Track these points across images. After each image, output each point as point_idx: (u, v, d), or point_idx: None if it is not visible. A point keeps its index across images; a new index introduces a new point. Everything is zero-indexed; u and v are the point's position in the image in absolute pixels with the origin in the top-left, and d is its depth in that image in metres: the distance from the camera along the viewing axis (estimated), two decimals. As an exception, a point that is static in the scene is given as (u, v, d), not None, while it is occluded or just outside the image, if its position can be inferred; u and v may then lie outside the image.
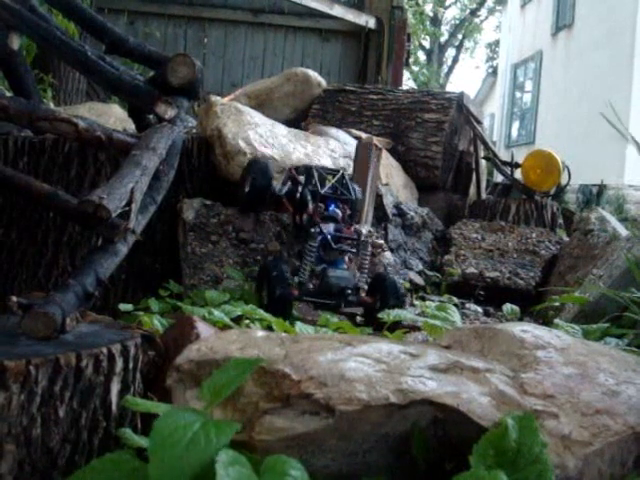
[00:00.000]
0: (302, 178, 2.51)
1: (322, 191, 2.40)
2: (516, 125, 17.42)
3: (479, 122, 4.61)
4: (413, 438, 1.11)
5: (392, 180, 3.78)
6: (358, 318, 2.34)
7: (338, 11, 6.77)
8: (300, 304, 2.34)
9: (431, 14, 25.03)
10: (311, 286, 2.26)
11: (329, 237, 2.29)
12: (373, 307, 2.27)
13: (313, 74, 4.90)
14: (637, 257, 2.37)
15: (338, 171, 2.52)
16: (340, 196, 2.45)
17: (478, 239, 3.51)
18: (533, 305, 2.76)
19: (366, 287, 2.32)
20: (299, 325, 1.91)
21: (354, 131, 3.96)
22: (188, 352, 1.30)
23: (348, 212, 2.46)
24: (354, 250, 2.34)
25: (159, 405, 1.16)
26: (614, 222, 3.41)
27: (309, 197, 2.41)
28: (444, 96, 4.50)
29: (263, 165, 2.54)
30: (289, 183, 2.57)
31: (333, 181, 2.45)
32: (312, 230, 2.29)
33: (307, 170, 2.49)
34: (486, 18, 27.19)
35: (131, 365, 1.29)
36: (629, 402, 1.21)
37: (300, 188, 2.48)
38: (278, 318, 1.93)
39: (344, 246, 2.33)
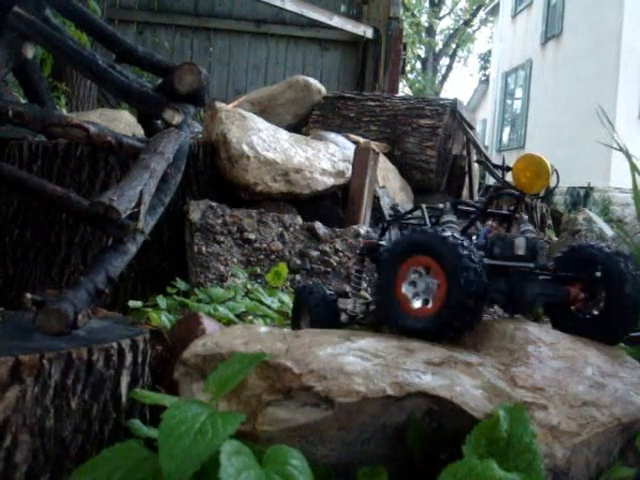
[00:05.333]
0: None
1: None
2: (507, 130, 17.41)
3: (472, 127, 4.61)
4: (409, 429, 1.11)
5: (389, 183, 3.78)
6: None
7: (337, 22, 6.76)
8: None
9: (426, 24, 25.01)
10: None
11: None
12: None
13: (313, 82, 4.90)
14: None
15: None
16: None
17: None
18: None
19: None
20: None
21: (353, 136, 3.96)
22: (194, 347, 1.30)
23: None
24: None
25: (167, 397, 1.16)
26: (600, 223, 3.40)
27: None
28: (438, 103, 4.49)
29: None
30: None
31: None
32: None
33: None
34: (478, 28, 27.18)
35: (140, 359, 1.29)
36: (615, 394, 1.21)
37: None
38: None
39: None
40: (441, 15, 26.18)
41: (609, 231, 3.31)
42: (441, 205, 1.63)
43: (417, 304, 1.38)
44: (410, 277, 1.41)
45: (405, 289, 1.40)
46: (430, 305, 1.36)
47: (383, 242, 1.75)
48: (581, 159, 10.95)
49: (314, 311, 1.76)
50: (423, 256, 1.38)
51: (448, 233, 1.37)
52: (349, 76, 7.20)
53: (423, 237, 1.40)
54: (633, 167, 2.39)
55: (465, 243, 1.34)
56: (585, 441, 1.10)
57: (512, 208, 1.68)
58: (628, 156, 2.42)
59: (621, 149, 2.49)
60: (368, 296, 1.92)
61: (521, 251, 1.48)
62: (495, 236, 1.52)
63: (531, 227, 1.62)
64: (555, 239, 3.61)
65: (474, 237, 1.56)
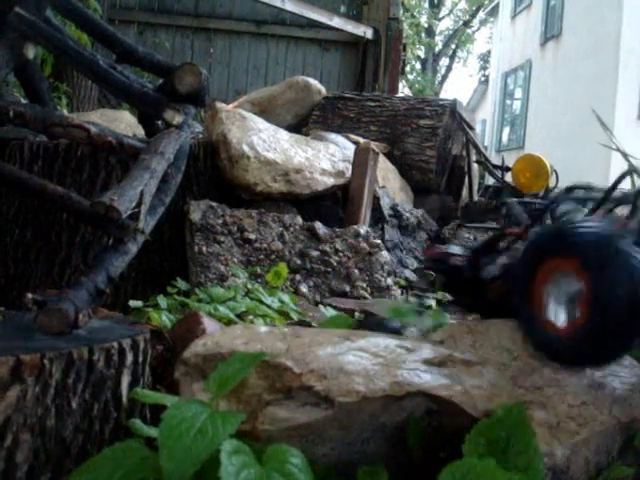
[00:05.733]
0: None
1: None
2: (506, 131, 17.41)
3: (471, 128, 4.61)
4: (409, 428, 1.11)
5: (389, 183, 3.78)
6: (357, 314, 2.33)
7: (337, 22, 6.76)
8: (301, 301, 2.34)
9: (426, 25, 25.00)
10: None
11: None
12: None
13: (313, 82, 4.90)
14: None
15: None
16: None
17: (470, 239, 3.51)
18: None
19: None
20: None
21: (352, 136, 3.96)
22: (195, 346, 1.30)
23: None
24: None
25: (167, 397, 1.16)
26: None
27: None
28: (438, 103, 4.49)
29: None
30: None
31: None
32: None
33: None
34: (478, 29, 27.17)
35: (141, 359, 1.29)
36: (614, 394, 1.21)
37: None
38: None
39: None
40: (441, 16, 26.18)
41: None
42: (554, 193, 1.34)
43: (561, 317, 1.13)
44: (556, 288, 1.14)
45: (548, 302, 1.15)
46: (568, 322, 1.10)
47: (456, 249, 1.48)
48: (580, 159, 10.95)
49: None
50: (568, 258, 1.10)
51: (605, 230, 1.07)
52: (349, 76, 7.20)
53: (566, 232, 1.12)
54: (631, 167, 2.38)
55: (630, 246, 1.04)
56: (584, 440, 1.10)
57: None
58: (625, 156, 2.42)
59: (618, 149, 2.49)
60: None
61: None
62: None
63: None
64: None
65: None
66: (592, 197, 1.36)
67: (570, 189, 1.35)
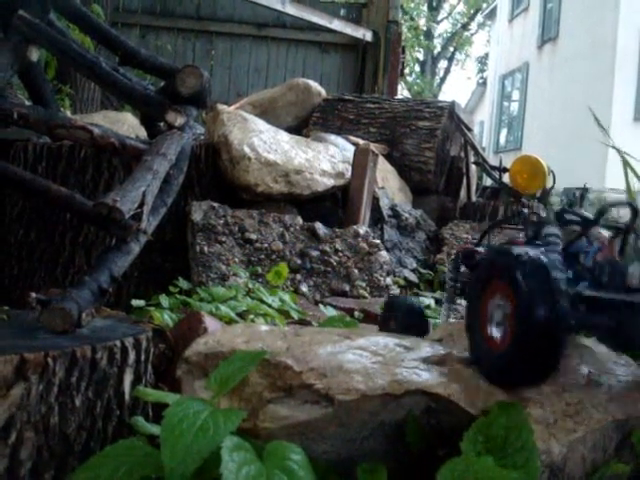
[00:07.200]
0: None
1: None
2: (504, 132, 17.41)
3: (469, 129, 4.61)
4: (407, 426, 1.11)
5: (388, 184, 3.78)
6: (356, 313, 2.34)
7: (337, 25, 6.75)
8: (301, 300, 2.34)
9: (425, 28, 25.00)
10: None
11: None
12: None
13: (314, 84, 4.89)
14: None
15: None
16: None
17: (468, 239, 3.51)
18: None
19: None
20: None
21: (352, 138, 3.95)
22: (196, 345, 1.30)
23: None
24: None
25: (169, 395, 1.16)
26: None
27: None
28: (437, 105, 4.49)
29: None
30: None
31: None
32: None
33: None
34: (476, 32, 27.16)
35: (143, 357, 1.29)
36: (610, 392, 1.21)
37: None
38: None
39: None
40: (439, 19, 26.17)
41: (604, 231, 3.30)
42: (543, 214, 1.39)
43: (496, 335, 1.17)
44: (495, 307, 1.19)
45: (488, 321, 1.19)
46: (500, 340, 1.14)
47: (481, 249, 1.55)
48: (577, 160, 10.94)
49: (401, 321, 1.65)
50: (501, 282, 1.16)
51: (529, 251, 1.12)
52: (349, 79, 7.19)
53: (501, 258, 1.18)
54: (626, 164, 2.39)
55: (548, 264, 1.09)
56: (581, 438, 1.10)
57: (628, 220, 1.27)
58: (620, 153, 2.42)
59: (613, 146, 2.49)
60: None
61: (636, 281, 1.15)
62: (604, 260, 1.23)
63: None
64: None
65: (582, 256, 1.27)
66: (579, 220, 1.39)
67: (560, 213, 1.38)
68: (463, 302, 1.64)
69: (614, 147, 2.47)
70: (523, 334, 1.08)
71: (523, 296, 1.07)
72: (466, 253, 1.56)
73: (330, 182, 3.00)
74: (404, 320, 1.67)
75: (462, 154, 4.62)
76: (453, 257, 1.63)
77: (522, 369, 1.12)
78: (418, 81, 25.16)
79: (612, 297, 1.16)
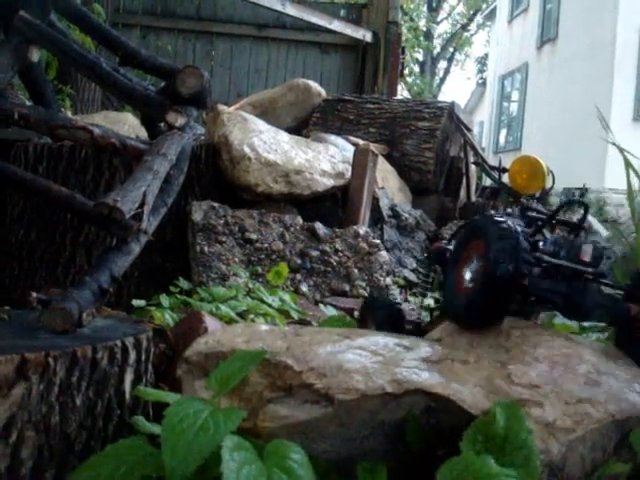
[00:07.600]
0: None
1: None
2: (504, 132, 17.40)
3: (469, 130, 4.61)
4: (407, 425, 1.11)
5: (388, 184, 3.78)
6: (356, 313, 2.34)
7: (337, 26, 6.75)
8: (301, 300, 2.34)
9: (424, 29, 25.00)
10: None
11: None
12: None
13: (314, 85, 4.89)
14: (617, 256, 2.36)
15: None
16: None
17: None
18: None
19: None
20: None
21: (352, 138, 3.95)
22: (197, 345, 1.30)
23: None
24: None
25: (169, 394, 1.16)
26: (595, 223, 3.40)
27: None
28: (436, 105, 4.49)
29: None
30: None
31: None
32: None
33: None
34: (476, 32, 27.16)
35: (143, 357, 1.29)
36: (609, 391, 1.21)
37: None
38: None
39: None
40: (439, 19, 26.17)
41: (604, 231, 3.31)
42: (509, 210, 1.59)
43: (468, 285, 1.36)
44: (470, 262, 1.39)
45: (464, 273, 1.39)
46: (470, 288, 1.34)
47: (451, 247, 1.66)
48: (576, 161, 10.94)
49: (379, 316, 1.68)
50: (479, 240, 1.36)
51: (502, 218, 1.33)
52: (349, 79, 7.19)
53: (479, 221, 1.40)
54: (627, 163, 2.38)
55: (516, 227, 1.29)
56: (580, 437, 1.10)
57: (581, 217, 1.53)
58: (622, 153, 2.42)
59: (614, 144, 2.49)
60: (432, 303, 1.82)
61: (587, 257, 1.35)
62: (562, 238, 1.44)
63: (600, 237, 1.54)
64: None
65: (540, 243, 1.43)
66: (539, 217, 1.56)
67: (523, 210, 1.56)
68: (436, 296, 1.76)
69: (617, 146, 2.46)
70: (488, 279, 1.28)
71: (493, 250, 1.27)
72: (438, 251, 1.67)
73: (330, 182, 3.01)
74: (381, 318, 1.70)
75: (462, 154, 4.62)
76: (425, 255, 1.73)
77: (482, 309, 1.31)
78: (418, 82, 25.16)
79: (566, 265, 1.35)
